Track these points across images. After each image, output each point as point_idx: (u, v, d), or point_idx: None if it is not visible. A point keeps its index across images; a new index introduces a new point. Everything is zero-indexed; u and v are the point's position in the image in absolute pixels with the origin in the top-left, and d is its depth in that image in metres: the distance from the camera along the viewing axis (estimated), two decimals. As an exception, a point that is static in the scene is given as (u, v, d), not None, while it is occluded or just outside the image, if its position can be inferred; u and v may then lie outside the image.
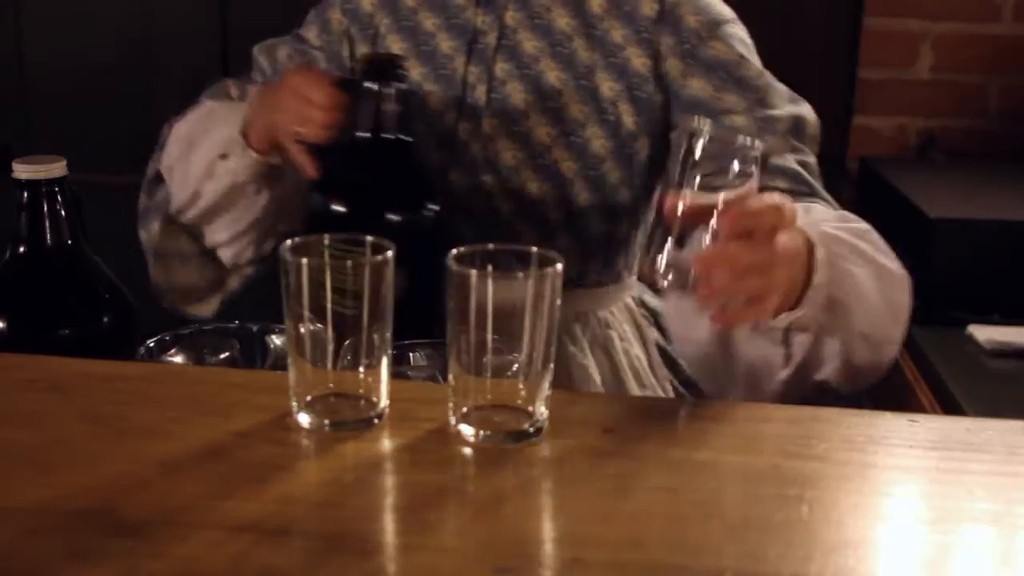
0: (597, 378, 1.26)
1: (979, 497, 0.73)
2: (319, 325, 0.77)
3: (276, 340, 1.02)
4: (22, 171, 0.99)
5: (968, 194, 1.99)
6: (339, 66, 1.28)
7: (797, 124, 1.23)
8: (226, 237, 1.27)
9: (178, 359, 1.00)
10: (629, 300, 1.33)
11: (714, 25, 1.25)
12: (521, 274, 0.78)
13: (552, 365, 0.78)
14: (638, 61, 1.23)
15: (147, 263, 1.33)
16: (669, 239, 0.85)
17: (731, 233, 0.83)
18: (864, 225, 1.06)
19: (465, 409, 0.78)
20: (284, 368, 0.82)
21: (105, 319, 1.01)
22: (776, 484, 0.73)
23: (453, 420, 0.78)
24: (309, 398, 0.80)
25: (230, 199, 1.22)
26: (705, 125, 0.86)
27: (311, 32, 1.31)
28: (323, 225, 0.98)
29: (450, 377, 0.78)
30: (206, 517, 0.68)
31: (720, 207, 0.84)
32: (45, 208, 0.99)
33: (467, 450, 0.77)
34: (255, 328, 1.03)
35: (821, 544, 0.67)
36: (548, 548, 0.67)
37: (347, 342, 0.78)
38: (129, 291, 1.04)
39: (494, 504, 0.71)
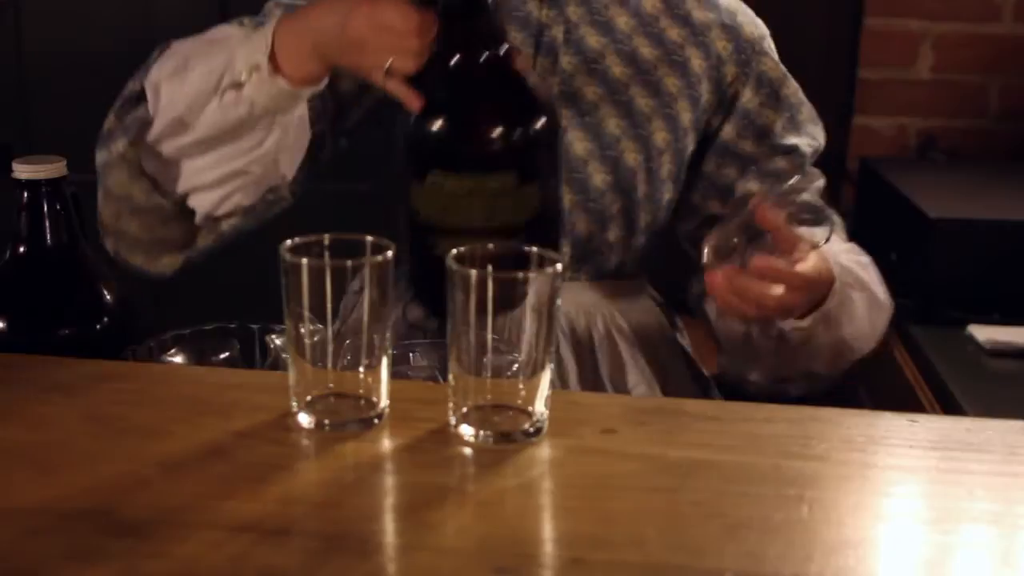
0: (635, 371, 1.27)
1: (979, 497, 0.73)
2: (319, 325, 0.77)
3: (276, 340, 1.02)
4: (22, 171, 0.99)
5: (968, 194, 1.99)
6: None
7: (817, 152, 1.35)
8: (211, 178, 1.14)
9: (178, 359, 0.99)
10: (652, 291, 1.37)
11: (763, 38, 1.33)
12: (521, 274, 0.78)
13: (552, 365, 0.78)
14: (696, 62, 1.28)
15: (97, 195, 1.18)
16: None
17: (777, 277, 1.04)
18: (866, 258, 1.28)
19: (465, 409, 0.78)
20: (284, 368, 0.82)
21: (105, 319, 1.01)
22: (776, 484, 0.73)
23: (453, 420, 0.78)
24: (309, 398, 0.80)
25: (233, 133, 1.10)
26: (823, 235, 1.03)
27: None
28: (424, 158, 0.91)
29: (450, 377, 0.78)
30: (206, 517, 0.68)
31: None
32: (45, 208, 0.99)
33: (467, 450, 0.77)
34: (255, 328, 1.03)
35: (821, 544, 0.67)
36: (548, 548, 0.67)
37: (347, 342, 0.78)
38: (129, 291, 1.04)
39: (494, 504, 0.71)
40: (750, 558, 0.65)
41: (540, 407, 0.78)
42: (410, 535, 0.68)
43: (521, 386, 0.77)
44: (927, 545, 0.69)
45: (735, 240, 1.02)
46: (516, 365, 0.77)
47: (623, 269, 1.30)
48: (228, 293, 2.01)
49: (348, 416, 0.79)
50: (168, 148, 1.14)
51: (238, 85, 1.08)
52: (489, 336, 0.75)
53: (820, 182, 1.36)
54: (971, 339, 1.67)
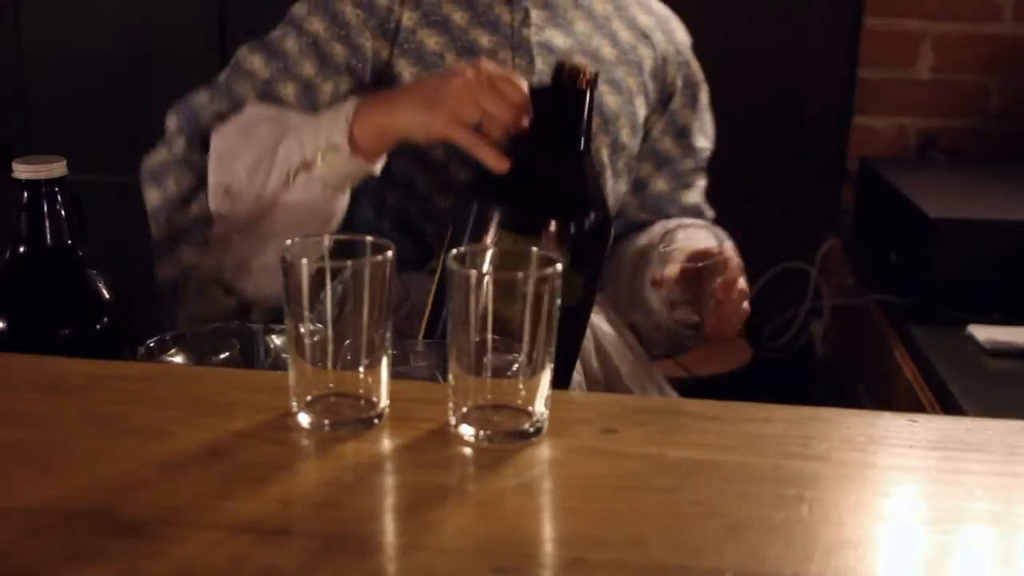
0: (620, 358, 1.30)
1: (979, 497, 0.73)
2: (319, 325, 0.77)
3: (276, 340, 1.02)
4: (22, 171, 0.99)
5: (968, 194, 1.99)
6: (361, 60, 1.25)
7: (708, 158, 1.48)
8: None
9: (178, 359, 0.99)
10: None
11: (689, 43, 1.44)
12: (521, 274, 0.78)
13: (552, 365, 0.78)
14: (647, 62, 1.37)
15: (162, 275, 1.25)
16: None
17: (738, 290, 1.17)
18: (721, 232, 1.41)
19: (465, 409, 0.78)
20: (284, 368, 0.82)
21: (105, 319, 1.01)
22: (776, 484, 0.73)
23: (453, 420, 0.78)
24: (309, 398, 0.80)
25: (308, 214, 1.16)
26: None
27: (315, 24, 1.26)
28: (488, 215, 0.97)
29: (450, 377, 0.78)
30: (206, 517, 0.68)
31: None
32: (45, 208, 0.99)
33: (467, 450, 0.77)
34: (255, 328, 1.03)
35: (821, 544, 0.67)
36: (548, 548, 0.67)
37: (347, 342, 0.78)
38: (129, 291, 1.04)
39: (494, 504, 0.71)
40: (750, 558, 0.65)
41: (540, 407, 0.78)
42: (410, 535, 0.68)
43: (521, 386, 0.77)
44: (927, 545, 0.69)
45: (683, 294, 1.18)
46: (516, 365, 0.77)
47: None
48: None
49: (348, 416, 0.79)
50: (252, 236, 1.19)
51: (307, 166, 1.13)
52: (489, 336, 0.75)
53: (703, 182, 1.48)
54: (971, 339, 1.67)
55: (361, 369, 0.79)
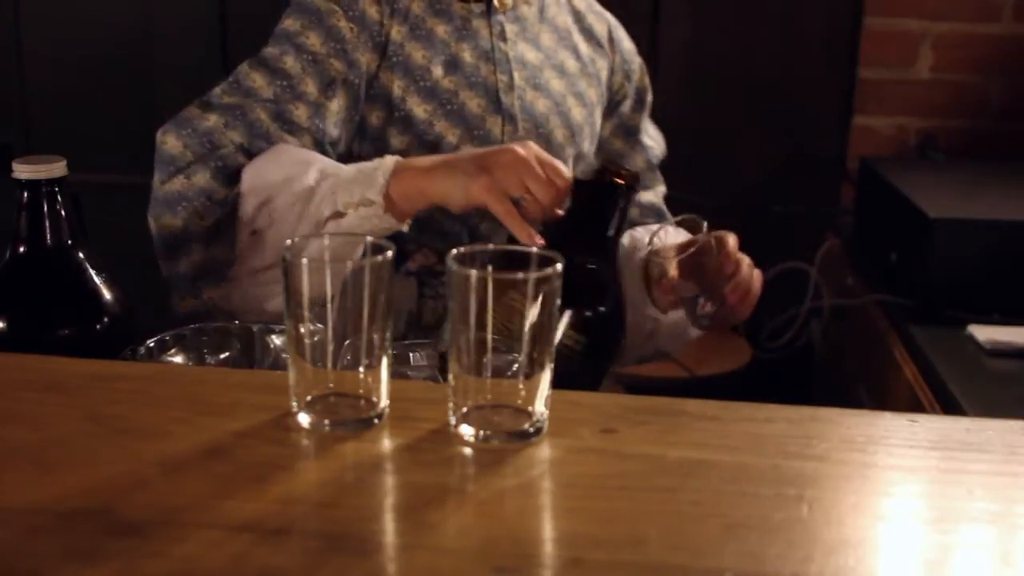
0: None
1: (979, 497, 0.73)
2: (319, 325, 0.77)
3: (276, 340, 1.02)
4: (22, 171, 0.99)
5: (968, 194, 1.99)
6: (358, 75, 1.26)
7: (660, 157, 1.52)
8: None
9: (178, 359, 0.99)
10: None
11: (634, 50, 1.49)
12: (521, 274, 0.78)
13: (552, 365, 0.78)
14: (603, 73, 1.43)
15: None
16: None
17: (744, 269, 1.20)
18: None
19: (465, 409, 0.78)
20: (284, 368, 0.82)
21: (105, 319, 1.02)
22: (776, 484, 0.73)
23: (453, 420, 0.78)
24: (309, 398, 0.80)
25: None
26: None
27: (312, 40, 1.25)
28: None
29: (450, 377, 0.78)
30: (206, 517, 0.68)
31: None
32: (45, 208, 1.00)
33: (467, 450, 0.77)
34: (255, 328, 1.03)
35: (821, 544, 0.67)
36: (548, 548, 0.67)
37: (347, 342, 0.78)
38: (129, 291, 1.04)
39: (494, 504, 0.71)
40: (750, 558, 0.65)
41: (540, 407, 0.78)
42: (410, 535, 0.68)
43: (521, 386, 0.77)
44: (927, 545, 0.69)
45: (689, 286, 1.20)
46: (516, 365, 0.77)
47: None
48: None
49: (348, 416, 0.80)
50: (255, 290, 1.19)
51: (338, 216, 1.13)
52: (489, 336, 0.75)
53: (663, 187, 1.52)
54: (971, 339, 1.67)
55: (361, 369, 0.79)
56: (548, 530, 0.69)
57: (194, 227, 1.18)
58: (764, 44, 2.47)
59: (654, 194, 1.50)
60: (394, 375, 0.82)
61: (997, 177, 2.12)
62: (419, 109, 1.27)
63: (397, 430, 0.79)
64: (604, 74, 1.43)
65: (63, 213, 1.00)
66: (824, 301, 2.24)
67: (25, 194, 0.99)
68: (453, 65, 1.29)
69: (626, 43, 1.48)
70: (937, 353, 1.63)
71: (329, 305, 0.76)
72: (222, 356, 1.01)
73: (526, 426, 0.78)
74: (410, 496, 0.72)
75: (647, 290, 1.27)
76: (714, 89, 2.51)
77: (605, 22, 1.46)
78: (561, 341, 0.96)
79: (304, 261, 0.76)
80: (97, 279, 1.02)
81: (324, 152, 1.24)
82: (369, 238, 0.82)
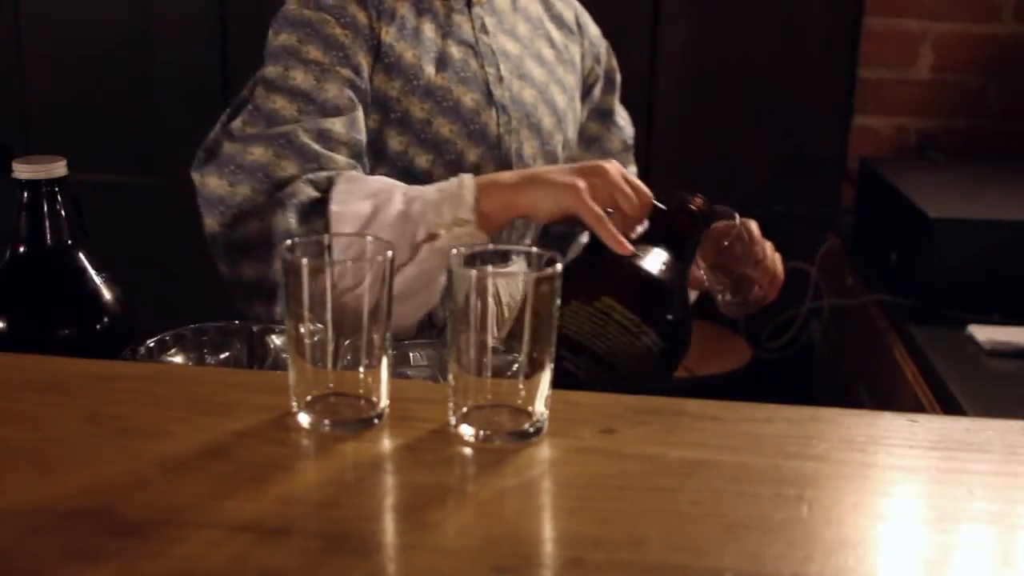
0: None
1: (979, 497, 0.73)
2: (319, 325, 0.77)
3: (276, 340, 1.02)
4: (22, 171, 0.99)
5: (968, 194, 1.99)
6: (363, 80, 1.25)
7: (632, 136, 1.54)
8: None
9: (178, 359, 1.00)
10: None
11: (600, 34, 1.52)
12: (521, 274, 0.78)
13: (552, 365, 0.78)
14: (577, 59, 1.45)
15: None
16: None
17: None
18: None
19: (465, 409, 0.78)
20: (284, 368, 0.82)
21: (105, 319, 1.02)
22: (776, 484, 0.73)
23: (453, 420, 0.78)
24: (309, 398, 0.80)
25: (426, 279, 1.16)
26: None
27: (313, 52, 1.24)
28: (602, 286, 1.04)
29: (450, 377, 0.78)
30: (206, 517, 0.68)
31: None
32: (45, 208, 1.00)
33: (467, 450, 0.77)
34: (255, 328, 1.03)
35: (821, 544, 0.67)
36: (548, 548, 0.67)
37: (347, 342, 0.78)
38: (129, 291, 1.04)
39: (494, 504, 0.71)
40: (750, 558, 0.65)
41: (540, 407, 0.78)
42: (410, 535, 0.68)
43: (521, 386, 0.77)
44: (927, 545, 0.69)
45: (721, 277, 1.23)
46: (516, 365, 0.77)
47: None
48: (228, 293, 2.00)
49: (348, 416, 0.80)
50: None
51: (432, 239, 1.14)
52: (489, 336, 0.75)
53: (634, 167, 1.53)
54: (971, 339, 1.67)
55: (361, 369, 0.79)
56: (548, 530, 0.69)
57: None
58: (764, 44, 2.47)
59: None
60: (394, 375, 0.82)
61: (997, 177, 2.12)
62: (416, 108, 1.27)
63: (397, 430, 0.79)
64: (577, 59, 1.45)
65: (63, 213, 1.00)
66: (824, 301, 2.25)
67: (25, 194, 0.99)
68: (443, 62, 1.30)
69: (592, 27, 1.50)
70: (937, 353, 1.64)
71: (329, 305, 0.76)
72: (222, 356, 1.01)
73: (526, 426, 0.78)
74: (410, 496, 0.72)
75: None
76: (714, 89, 2.51)
77: (571, 7, 1.48)
78: (643, 343, 1.00)
79: (304, 261, 0.76)
80: (97, 279, 1.02)
81: (361, 162, 1.23)
82: (369, 238, 0.82)
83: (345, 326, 0.78)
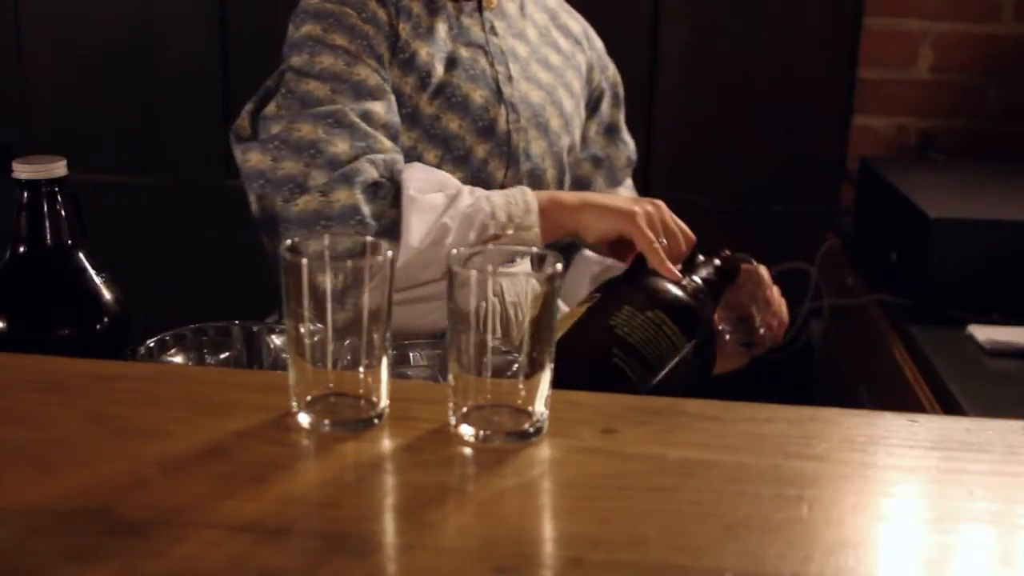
0: None
1: (979, 497, 0.73)
2: (319, 325, 0.77)
3: (276, 340, 1.02)
4: (22, 171, 0.99)
5: (968, 194, 1.99)
6: (385, 71, 1.27)
7: (635, 152, 1.56)
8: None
9: (178, 359, 1.00)
10: None
11: (603, 48, 1.53)
12: (521, 274, 0.78)
13: (552, 365, 0.78)
14: (584, 67, 1.47)
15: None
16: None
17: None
18: None
19: (465, 409, 0.78)
20: (284, 368, 0.82)
21: (105, 319, 1.02)
22: (776, 484, 0.73)
23: (453, 420, 0.78)
24: (309, 398, 0.80)
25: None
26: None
27: (339, 39, 1.25)
28: (655, 302, 1.09)
29: (450, 377, 0.78)
30: (206, 517, 0.68)
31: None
32: (45, 208, 1.00)
33: (467, 450, 0.77)
34: (255, 328, 1.03)
35: (821, 544, 0.67)
36: (548, 548, 0.67)
37: (347, 342, 0.78)
38: (128, 291, 1.04)
39: (494, 504, 0.71)
40: (750, 558, 0.65)
41: (540, 407, 0.78)
42: (410, 535, 0.68)
43: (521, 386, 0.77)
44: (927, 545, 0.69)
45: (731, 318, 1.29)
46: (516, 365, 0.77)
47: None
48: (228, 293, 2.01)
49: (348, 416, 0.80)
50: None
51: (496, 238, 1.18)
52: (489, 336, 0.75)
53: (630, 181, 1.56)
54: (971, 339, 1.67)
55: (361, 369, 0.79)
56: (548, 530, 0.69)
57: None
58: (764, 44, 2.47)
59: (626, 188, 1.56)
60: (394, 375, 0.82)
61: (997, 177, 2.12)
62: (426, 104, 1.29)
63: (397, 430, 0.79)
64: (584, 68, 1.47)
65: (63, 213, 1.00)
66: (824, 301, 2.24)
67: (25, 194, 0.99)
68: (452, 62, 1.32)
69: (598, 42, 1.53)
70: (937, 353, 1.64)
71: (329, 305, 0.76)
72: (222, 356, 1.01)
73: (526, 426, 0.78)
74: (410, 496, 0.72)
75: None
76: (714, 89, 2.51)
77: (579, 21, 1.51)
78: (684, 358, 1.07)
79: (304, 261, 0.76)
80: (97, 279, 1.02)
81: (398, 144, 1.26)
82: (368, 238, 0.82)
83: (350, 327, 0.78)
